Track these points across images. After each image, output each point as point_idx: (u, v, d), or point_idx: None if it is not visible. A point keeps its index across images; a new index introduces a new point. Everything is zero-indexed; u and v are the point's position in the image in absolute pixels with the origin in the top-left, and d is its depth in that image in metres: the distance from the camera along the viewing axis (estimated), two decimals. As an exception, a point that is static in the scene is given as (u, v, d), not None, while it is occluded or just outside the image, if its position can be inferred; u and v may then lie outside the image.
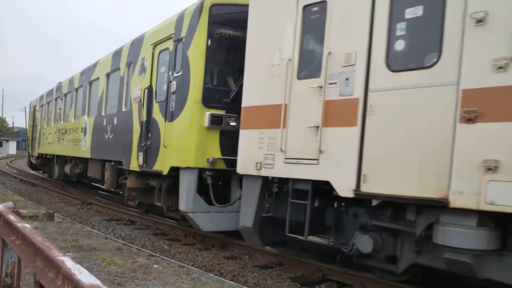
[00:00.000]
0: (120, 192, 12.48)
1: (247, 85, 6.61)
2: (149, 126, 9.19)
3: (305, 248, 8.17)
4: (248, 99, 6.54)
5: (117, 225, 10.49)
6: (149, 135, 9.18)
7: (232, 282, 5.87)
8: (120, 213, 12.01)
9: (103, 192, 17.15)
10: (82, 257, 6.36)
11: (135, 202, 11.12)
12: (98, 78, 12.84)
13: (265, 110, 6.11)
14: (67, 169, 15.82)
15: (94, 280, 2.47)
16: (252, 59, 6.57)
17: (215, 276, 6.03)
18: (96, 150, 12.46)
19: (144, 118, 9.34)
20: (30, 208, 10.99)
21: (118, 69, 11.18)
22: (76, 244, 7.34)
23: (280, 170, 5.87)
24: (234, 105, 7.81)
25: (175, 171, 8.19)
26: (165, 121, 8.40)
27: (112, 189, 12.46)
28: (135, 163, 9.66)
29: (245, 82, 6.66)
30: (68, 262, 2.82)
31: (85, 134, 13.56)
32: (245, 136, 6.52)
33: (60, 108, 17.27)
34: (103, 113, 12.15)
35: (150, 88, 9.24)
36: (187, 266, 6.49)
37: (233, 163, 7.81)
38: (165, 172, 8.34)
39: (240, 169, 6.58)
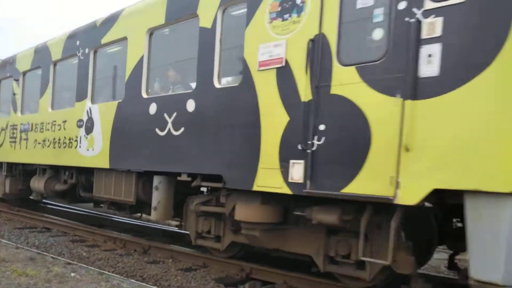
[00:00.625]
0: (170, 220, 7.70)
1: None
2: (319, 110, 4.90)
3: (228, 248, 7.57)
4: None
5: (31, 233, 9.55)
6: (321, 127, 4.88)
7: (154, 287, 5.77)
8: (34, 220, 10.96)
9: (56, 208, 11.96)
10: (-11, 270, 5.89)
11: (224, 243, 6.60)
12: (124, 39, 7.87)
13: None
14: (37, 184, 10.29)
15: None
16: None
17: (137, 282, 5.85)
18: (127, 155, 7.54)
19: (309, 96, 5.00)
20: None
21: (194, 16, 6.51)
22: (-18, 256, 6.73)
23: None
24: None
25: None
26: (403, 99, 4.21)
27: (165, 221, 7.63)
28: (274, 178, 5.26)
29: None
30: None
31: (89, 131, 8.46)
32: None
33: (14, 94, 11.52)
34: (144, 95, 7.31)
35: (319, 40, 4.94)
36: (106, 272, 6.22)
37: None
38: (407, 201, 4.17)
39: None
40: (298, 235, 5.77)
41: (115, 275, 6.18)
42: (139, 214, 9.03)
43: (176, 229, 10.41)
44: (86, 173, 9.18)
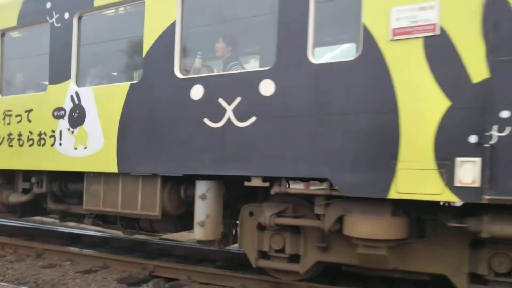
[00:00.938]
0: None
1: None
2: (501, 92, 3.80)
3: (131, 247, 7.88)
4: None
5: None
6: (503, 114, 3.79)
7: (51, 293, 5.44)
8: None
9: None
10: None
11: (305, 264, 5.17)
12: (136, 0, 5.92)
13: None
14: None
15: None
16: None
17: None
18: (151, 155, 5.64)
19: (484, 73, 3.85)
20: None
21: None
22: None
23: None
24: None
25: None
26: None
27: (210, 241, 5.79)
28: (427, 182, 4.02)
29: None
30: None
31: (77, 123, 6.29)
32: None
33: None
34: (179, 74, 5.50)
35: (496, 2, 3.83)
36: (-6, 282, 5.70)
37: None
38: None
39: None
40: (424, 250, 4.62)
41: (4, 283, 5.82)
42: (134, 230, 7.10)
43: (73, 230, 9.10)
44: (62, 179, 6.95)
